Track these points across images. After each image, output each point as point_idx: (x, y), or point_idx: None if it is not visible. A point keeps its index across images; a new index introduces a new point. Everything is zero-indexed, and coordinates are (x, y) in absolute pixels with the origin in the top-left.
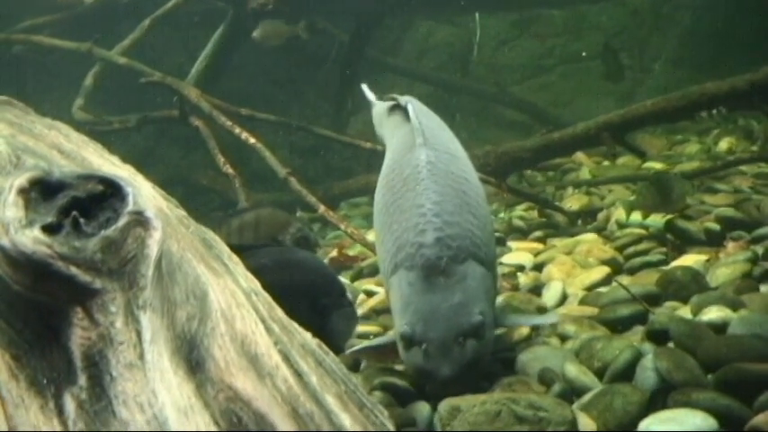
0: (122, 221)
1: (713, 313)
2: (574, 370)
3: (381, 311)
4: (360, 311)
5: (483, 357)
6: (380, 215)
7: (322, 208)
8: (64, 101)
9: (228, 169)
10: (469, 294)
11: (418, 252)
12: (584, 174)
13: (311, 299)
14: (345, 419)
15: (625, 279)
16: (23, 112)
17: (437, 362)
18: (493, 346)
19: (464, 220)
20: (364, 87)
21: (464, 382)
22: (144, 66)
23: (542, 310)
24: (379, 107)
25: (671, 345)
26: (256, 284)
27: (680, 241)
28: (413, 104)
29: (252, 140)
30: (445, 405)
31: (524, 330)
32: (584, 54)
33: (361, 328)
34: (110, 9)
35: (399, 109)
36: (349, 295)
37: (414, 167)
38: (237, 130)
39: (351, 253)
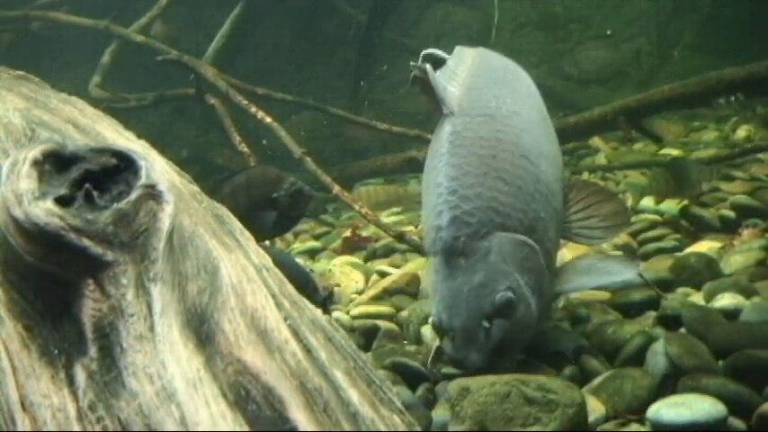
0: (135, 195)
1: (726, 300)
2: (584, 353)
3: (394, 292)
4: (371, 293)
5: (519, 336)
6: (423, 194)
7: (336, 188)
8: (81, 78)
9: (244, 148)
10: (493, 271)
11: (437, 236)
12: (601, 159)
13: None
14: (353, 395)
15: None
16: (39, 87)
17: (463, 351)
18: (538, 319)
19: (488, 189)
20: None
21: (500, 364)
22: (161, 44)
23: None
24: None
25: (682, 330)
26: (267, 260)
27: (694, 228)
28: (453, 62)
29: (268, 119)
30: (455, 385)
31: None
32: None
33: (371, 309)
34: None
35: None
36: (321, 291)
37: (439, 141)
38: (253, 109)
39: (364, 234)
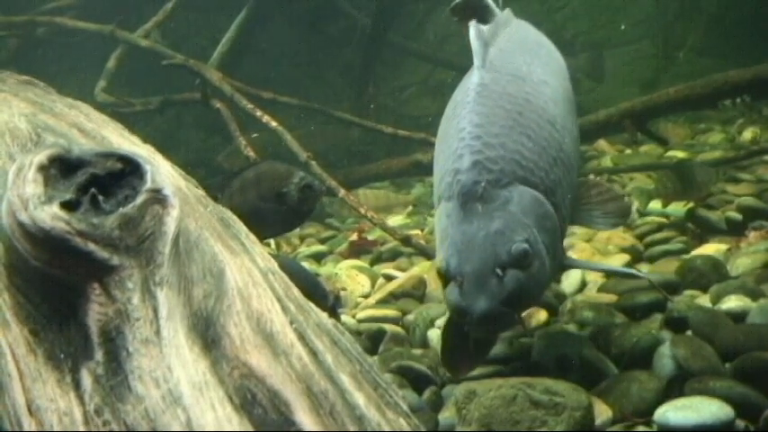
0: (140, 199)
1: (732, 302)
2: (591, 356)
3: (400, 296)
4: (377, 296)
5: (531, 292)
6: (436, 146)
7: (342, 192)
8: (87, 83)
9: (250, 152)
10: (512, 220)
11: (455, 179)
12: (606, 161)
13: None
14: (359, 398)
15: (645, 267)
16: (45, 92)
17: (472, 297)
18: (549, 281)
19: (512, 142)
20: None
21: (506, 320)
22: (166, 48)
23: (561, 296)
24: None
25: (689, 333)
26: (273, 264)
27: (701, 230)
28: (495, 23)
29: (273, 123)
30: (461, 389)
31: (542, 316)
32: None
33: (378, 313)
34: None
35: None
36: (331, 298)
37: (465, 91)
38: (259, 113)
39: (370, 237)
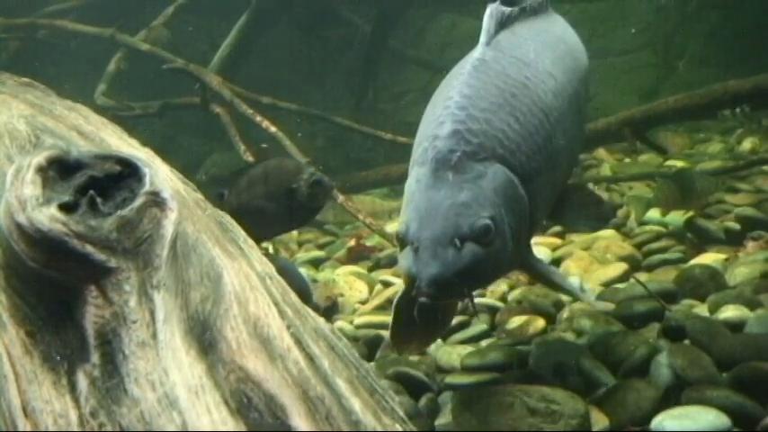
0: (138, 202)
1: (730, 312)
2: (588, 364)
3: None
4: (375, 302)
5: (485, 270)
6: (423, 115)
7: (341, 198)
8: (87, 86)
9: (249, 157)
10: (481, 195)
11: (431, 144)
12: (605, 170)
13: None
14: (356, 403)
15: (643, 276)
16: (44, 94)
17: (424, 263)
18: (507, 266)
19: (498, 120)
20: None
21: (454, 292)
22: (167, 53)
23: (559, 305)
24: None
25: (687, 342)
26: (271, 268)
27: (699, 239)
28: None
29: (273, 129)
30: (458, 396)
31: (540, 324)
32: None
33: (375, 319)
34: None
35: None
36: (317, 302)
37: (463, 64)
38: (258, 118)
39: (368, 243)
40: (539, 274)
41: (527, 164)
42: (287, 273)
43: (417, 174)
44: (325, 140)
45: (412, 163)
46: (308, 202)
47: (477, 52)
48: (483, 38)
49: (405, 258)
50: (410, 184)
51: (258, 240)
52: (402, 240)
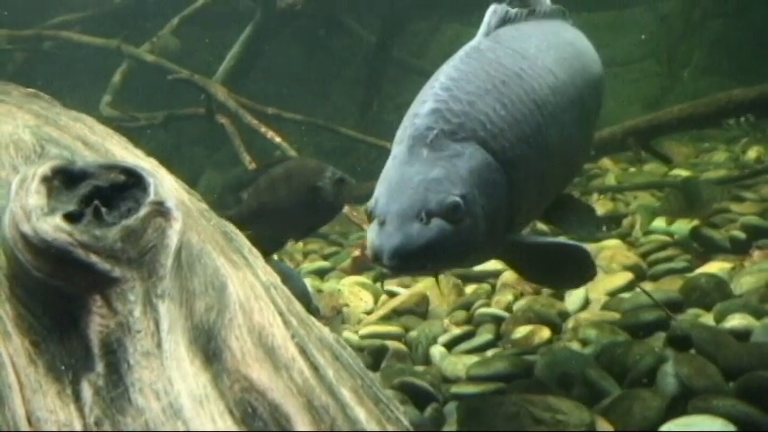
0: (143, 211)
1: (736, 321)
2: (594, 374)
3: (403, 312)
4: (380, 313)
5: (451, 249)
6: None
7: (346, 208)
8: (91, 97)
9: (253, 167)
10: (454, 173)
11: (411, 122)
12: (610, 179)
13: None
14: (360, 413)
15: (648, 285)
16: (50, 104)
17: (388, 236)
18: (479, 249)
19: (483, 104)
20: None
21: (419, 267)
22: (172, 64)
23: (564, 314)
24: None
25: (693, 351)
26: (275, 278)
27: (705, 249)
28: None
29: (277, 139)
30: (463, 406)
31: (545, 334)
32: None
33: (380, 329)
34: (139, 7)
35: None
36: (316, 304)
37: (456, 54)
38: (263, 129)
39: None
40: (524, 244)
41: (510, 150)
42: (285, 277)
43: (394, 151)
44: (329, 151)
45: (395, 142)
46: (333, 200)
47: (474, 41)
48: (482, 29)
49: (371, 231)
50: (387, 162)
51: (266, 253)
52: (371, 214)
